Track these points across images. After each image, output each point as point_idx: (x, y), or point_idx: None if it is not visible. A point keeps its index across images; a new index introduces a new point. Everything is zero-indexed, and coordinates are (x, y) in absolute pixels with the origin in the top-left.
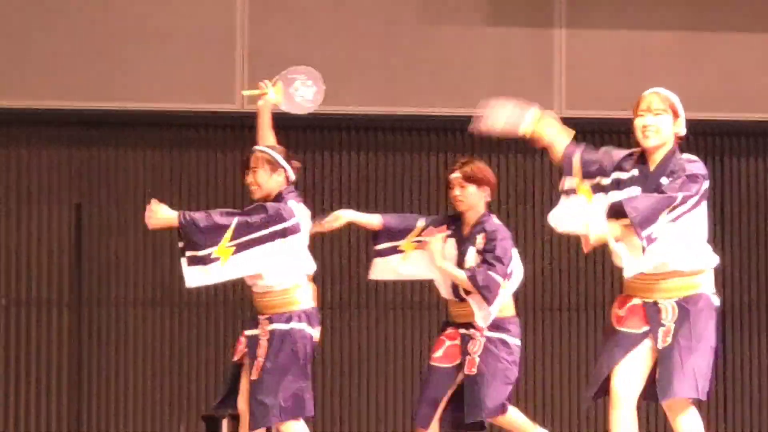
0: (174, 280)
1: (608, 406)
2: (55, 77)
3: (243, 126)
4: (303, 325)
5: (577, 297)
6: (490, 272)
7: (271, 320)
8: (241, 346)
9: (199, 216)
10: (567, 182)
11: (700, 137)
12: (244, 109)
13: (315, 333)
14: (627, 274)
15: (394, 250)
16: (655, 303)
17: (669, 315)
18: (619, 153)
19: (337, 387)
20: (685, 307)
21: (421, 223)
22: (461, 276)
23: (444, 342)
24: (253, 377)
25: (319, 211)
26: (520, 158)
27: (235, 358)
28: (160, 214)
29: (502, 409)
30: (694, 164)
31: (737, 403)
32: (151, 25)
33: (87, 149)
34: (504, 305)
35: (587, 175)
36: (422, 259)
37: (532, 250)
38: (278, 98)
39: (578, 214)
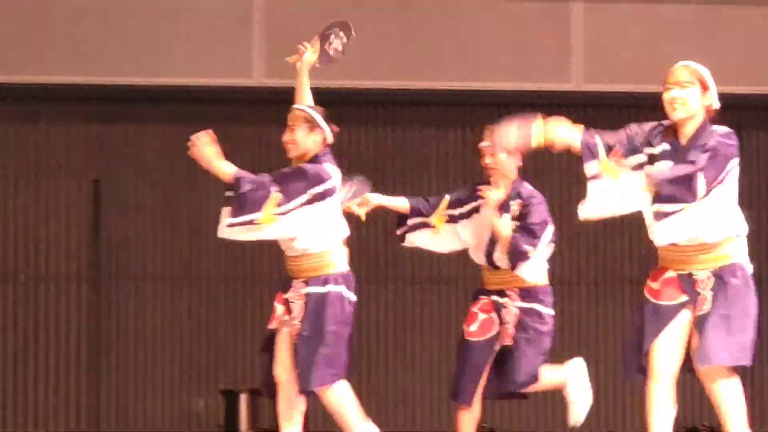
0: (192, 254)
1: (647, 380)
2: (74, 53)
3: (260, 100)
4: (341, 288)
5: (595, 271)
6: (520, 242)
7: (307, 283)
8: (278, 313)
9: (248, 179)
10: (590, 168)
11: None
12: (262, 84)
13: (352, 296)
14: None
15: (424, 225)
16: (690, 275)
17: (705, 285)
18: (646, 127)
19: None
20: (721, 277)
21: (447, 197)
22: (506, 233)
23: (477, 315)
24: (295, 341)
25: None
26: None
27: (271, 326)
28: (206, 152)
29: (535, 380)
30: (726, 138)
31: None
32: (169, 0)
33: (105, 125)
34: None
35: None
36: (452, 232)
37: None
38: (314, 57)
39: (611, 195)
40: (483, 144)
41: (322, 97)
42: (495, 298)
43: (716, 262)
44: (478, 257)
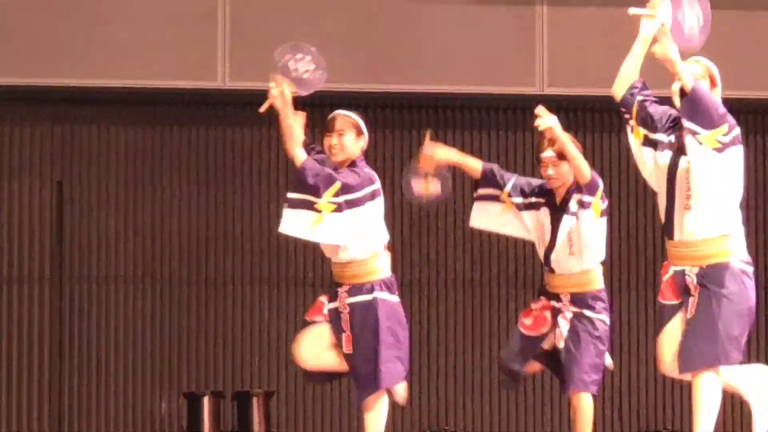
0: (155, 256)
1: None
2: (37, 54)
3: (225, 103)
4: (385, 294)
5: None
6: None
7: (350, 292)
8: (322, 311)
9: (314, 168)
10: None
11: None
12: (226, 86)
13: (396, 300)
14: None
15: (495, 199)
16: (683, 272)
17: (693, 282)
18: (667, 113)
19: None
20: (706, 276)
21: (509, 184)
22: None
23: (532, 311)
24: (348, 351)
25: None
26: (502, 135)
27: (310, 318)
28: (294, 132)
29: (593, 386)
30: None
31: None
32: (133, 1)
33: (69, 126)
34: (595, 278)
35: (642, 123)
36: (518, 218)
37: None
38: (287, 91)
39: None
40: (545, 155)
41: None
42: (553, 303)
43: (709, 259)
44: (539, 256)
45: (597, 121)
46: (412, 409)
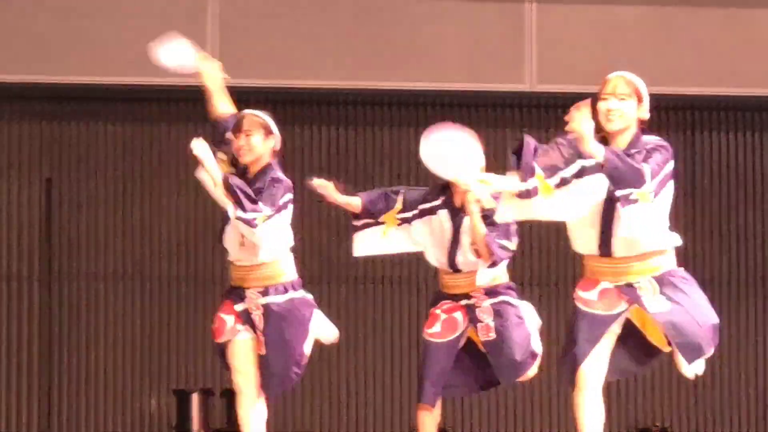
0: (144, 254)
1: (576, 390)
2: (26, 51)
3: None
4: (301, 293)
5: (548, 272)
6: (501, 241)
7: (265, 293)
8: (229, 325)
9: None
10: (531, 182)
11: (671, 111)
12: None
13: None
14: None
15: (374, 224)
16: (629, 285)
17: (651, 287)
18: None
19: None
20: (663, 278)
21: (399, 202)
22: (482, 231)
23: (439, 317)
24: (261, 352)
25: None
26: (491, 132)
27: (221, 340)
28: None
29: (533, 358)
30: (661, 142)
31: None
32: None
33: (57, 123)
34: (498, 274)
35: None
36: (404, 235)
37: None
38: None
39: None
40: None
41: (274, 97)
42: (464, 302)
43: (652, 272)
44: (438, 261)
45: None
46: (401, 406)
